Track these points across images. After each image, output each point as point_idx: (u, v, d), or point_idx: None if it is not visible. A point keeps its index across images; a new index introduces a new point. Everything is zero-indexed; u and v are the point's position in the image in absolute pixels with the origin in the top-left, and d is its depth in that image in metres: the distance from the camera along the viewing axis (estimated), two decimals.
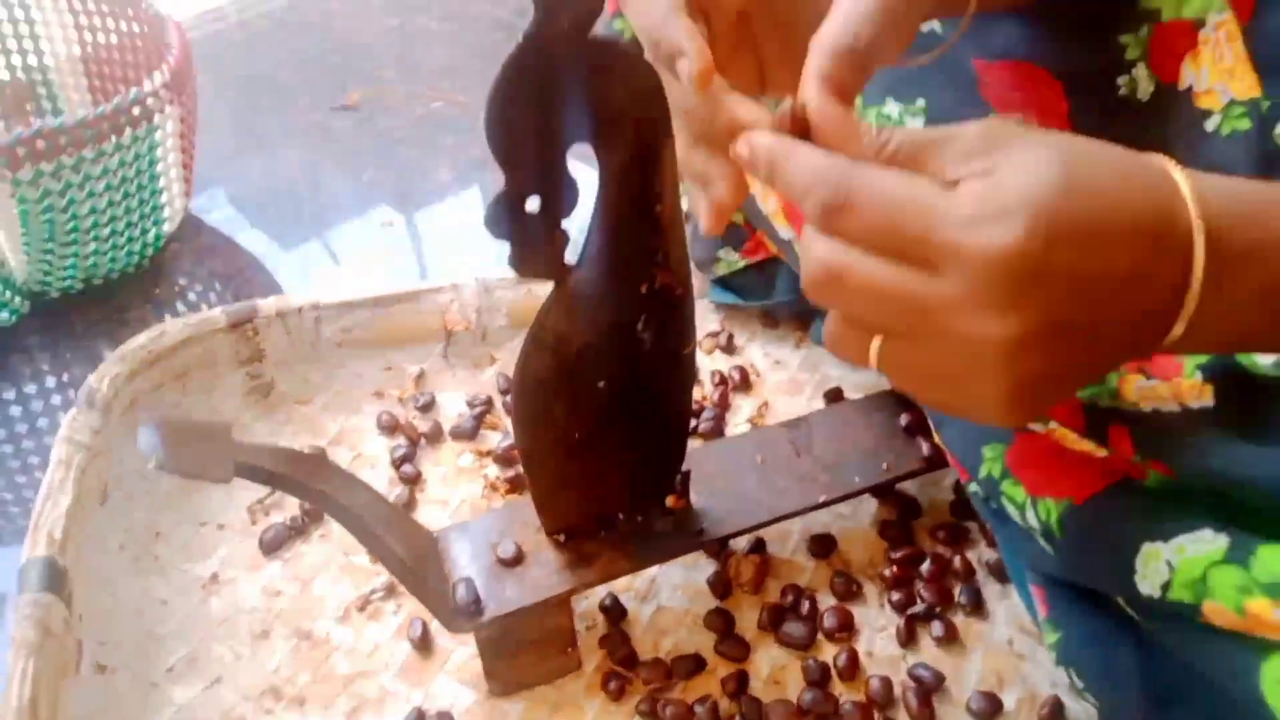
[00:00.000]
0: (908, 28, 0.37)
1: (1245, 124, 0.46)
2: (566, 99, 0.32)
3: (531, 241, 0.36)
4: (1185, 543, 0.34)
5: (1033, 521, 0.43)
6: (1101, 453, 0.41)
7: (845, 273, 0.30)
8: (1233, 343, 0.33)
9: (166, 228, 0.80)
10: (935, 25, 0.48)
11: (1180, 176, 0.31)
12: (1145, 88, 0.50)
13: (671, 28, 0.34)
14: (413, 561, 0.44)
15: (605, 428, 0.45)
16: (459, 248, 0.82)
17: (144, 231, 0.77)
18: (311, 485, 0.40)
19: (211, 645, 0.52)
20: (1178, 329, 0.30)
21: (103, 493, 0.56)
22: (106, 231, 0.73)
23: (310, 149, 0.96)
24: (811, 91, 0.32)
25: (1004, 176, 0.29)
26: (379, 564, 0.50)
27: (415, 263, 0.82)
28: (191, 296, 0.80)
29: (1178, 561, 0.34)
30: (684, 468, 0.50)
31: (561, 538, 0.49)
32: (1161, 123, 0.50)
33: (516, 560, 0.48)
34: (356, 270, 0.81)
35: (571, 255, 0.38)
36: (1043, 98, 0.52)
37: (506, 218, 0.34)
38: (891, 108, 0.49)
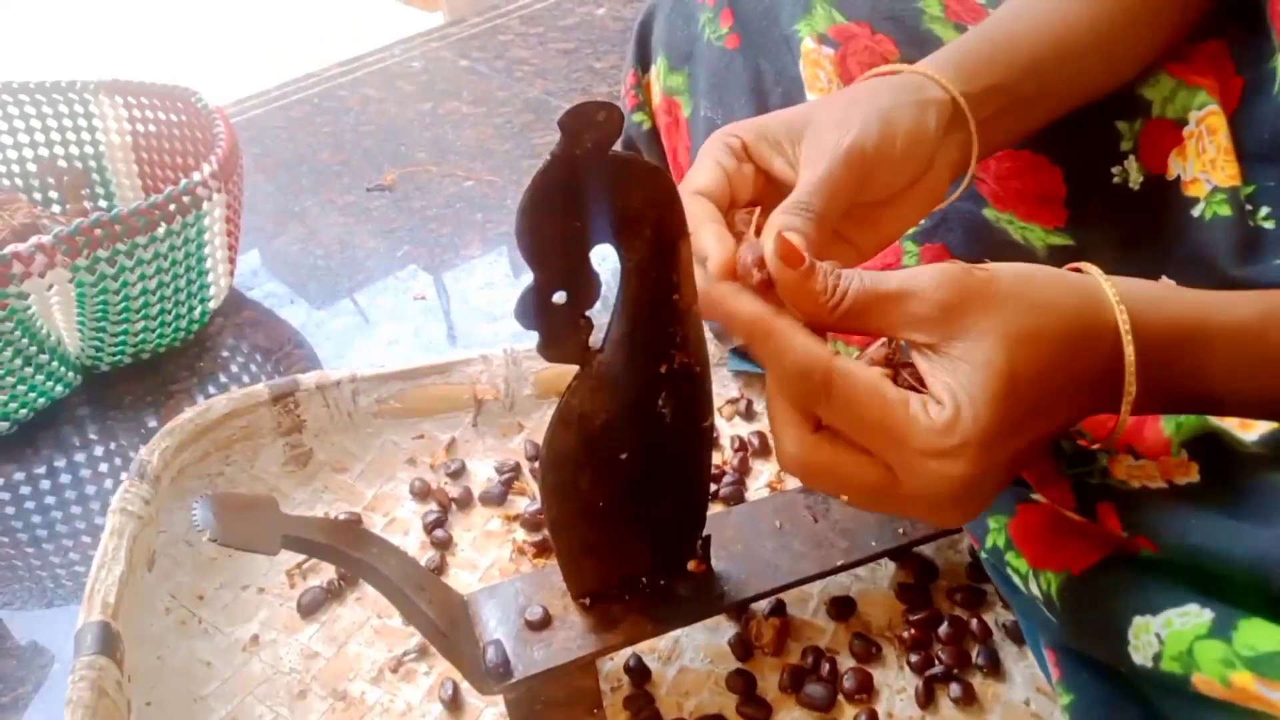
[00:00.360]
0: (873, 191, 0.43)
1: (1226, 210, 0.49)
2: (590, 206, 0.36)
3: (558, 331, 0.39)
4: (1172, 616, 0.36)
5: (1035, 592, 0.44)
6: (1073, 515, 0.43)
7: (818, 470, 0.37)
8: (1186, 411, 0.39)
9: (212, 305, 0.84)
10: None
11: (1122, 325, 0.36)
12: (1136, 178, 0.53)
13: (694, 220, 0.40)
14: (445, 626, 0.46)
15: (628, 497, 0.47)
16: (487, 319, 0.86)
17: (190, 309, 0.81)
18: (352, 554, 0.42)
19: (252, 705, 0.54)
20: (1123, 414, 0.37)
21: (150, 559, 0.59)
22: (155, 310, 0.77)
23: (348, 227, 1.01)
24: (769, 246, 0.37)
25: (958, 411, 0.34)
26: (412, 626, 0.52)
27: (446, 333, 0.86)
28: (234, 369, 0.84)
29: (1166, 635, 0.36)
30: (705, 533, 0.52)
31: (587, 601, 0.51)
32: (1151, 209, 0.53)
33: (544, 624, 0.50)
34: (390, 341, 0.84)
35: (595, 338, 0.41)
36: (1041, 184, 0.55)
37: (535, 311, 0.37)
38: None
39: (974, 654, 0.54)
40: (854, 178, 0.42)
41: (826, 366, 0.35)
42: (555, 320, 0.38)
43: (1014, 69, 0.48)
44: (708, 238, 0.39)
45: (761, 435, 0.67)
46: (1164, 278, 0.51)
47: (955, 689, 0.52)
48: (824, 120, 0.43)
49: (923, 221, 0.53)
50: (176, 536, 0.62)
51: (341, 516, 0.64)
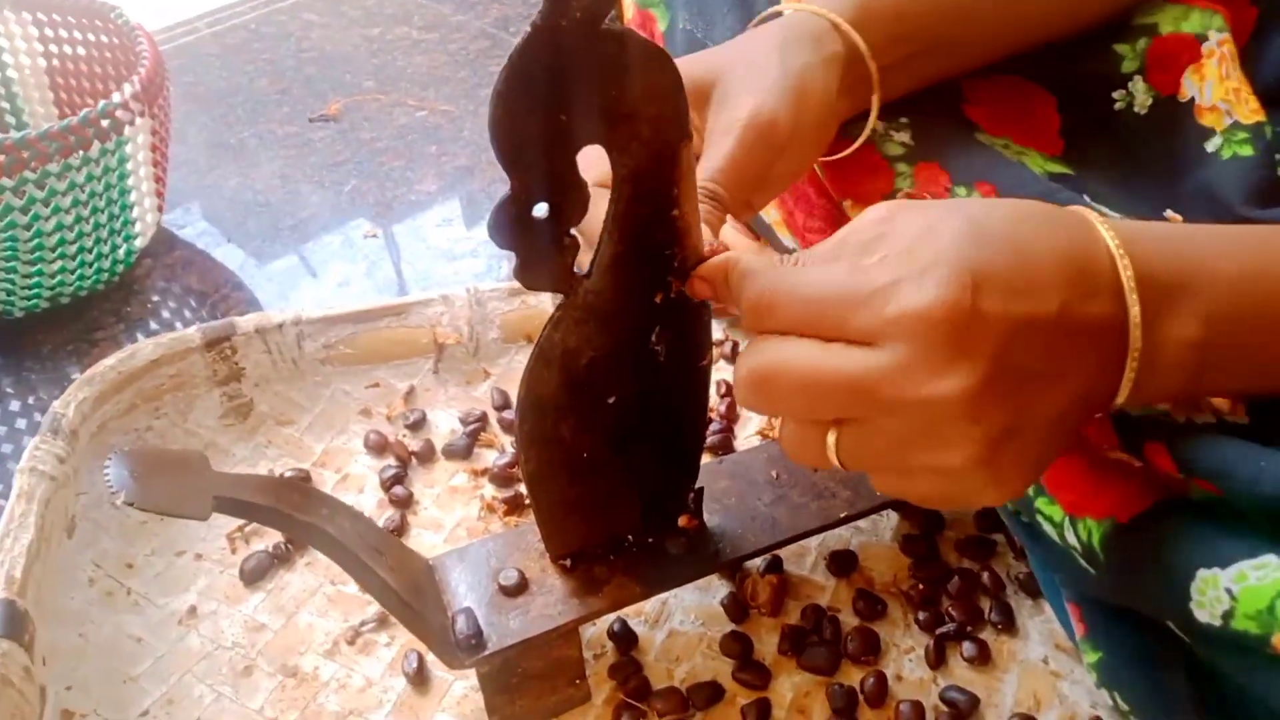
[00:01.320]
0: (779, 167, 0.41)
1: (1248, 150, 0.45)
2: (577, 96, 0.30)
3: (539, 251, 0.33)
4: (1246, 569, 0.32)
5: (1072, 541, 0.40)
6: (1116, 454, 0.39)
7: (777, 372, 0.30)
8: (1202, 381, 0.33)
9: (138, 243, 0.76)
10: None
11: (1095, 218, 0.31)
12: (1143, 100, 0.49)
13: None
14: (408, 594, 0.41)
15: (615, 447, 0.42)
16: (445, 259, 0.79)
17: (114, 248, 0.73)
18: (297, 517, 0.36)
19: (190, 685, 0.48)
20: (1130, 367, 0.31)
21: (70, 524, 0.52)
22: (74, 249, 0.69)
23: (289, 161, 0.92)
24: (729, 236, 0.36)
25: (913, 241, 0.29)
26: (369, 595, 0.46)
27: (400, 275, 0.79)
28: (165, 314, 0.76)
29: (1239, 590, 0.31)
30: (697, 485, 0.47)
31: (567, 563, 0.46)
32: (1159, 137, 0.48)
33: (520, 588, 0.45)
34: (339, 284, 0.77)
35: (581, 261, 0.35)
36: (1033, 113, 0.50)
37: (512, 226, 0.31)
38: (876, 125, 0.48)
39: (986, 609, 0.50)
40: (764, 162, 0.40)
41: (771, 270, 0.32)
42: (535, 238, 0.33)
43: (932, 8, 0.44)
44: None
45: None
46: (1168, 211, 0.47)
47: (968, 647, 0.48)
48: (731, 87, 0.41)
49: (909, 140, 0.48)
50: (99, 498, 0.55)
51: (288, 474, 0.57)
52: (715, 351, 0.64)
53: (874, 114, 0.46)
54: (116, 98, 0.67)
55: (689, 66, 0.43)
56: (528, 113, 0.29)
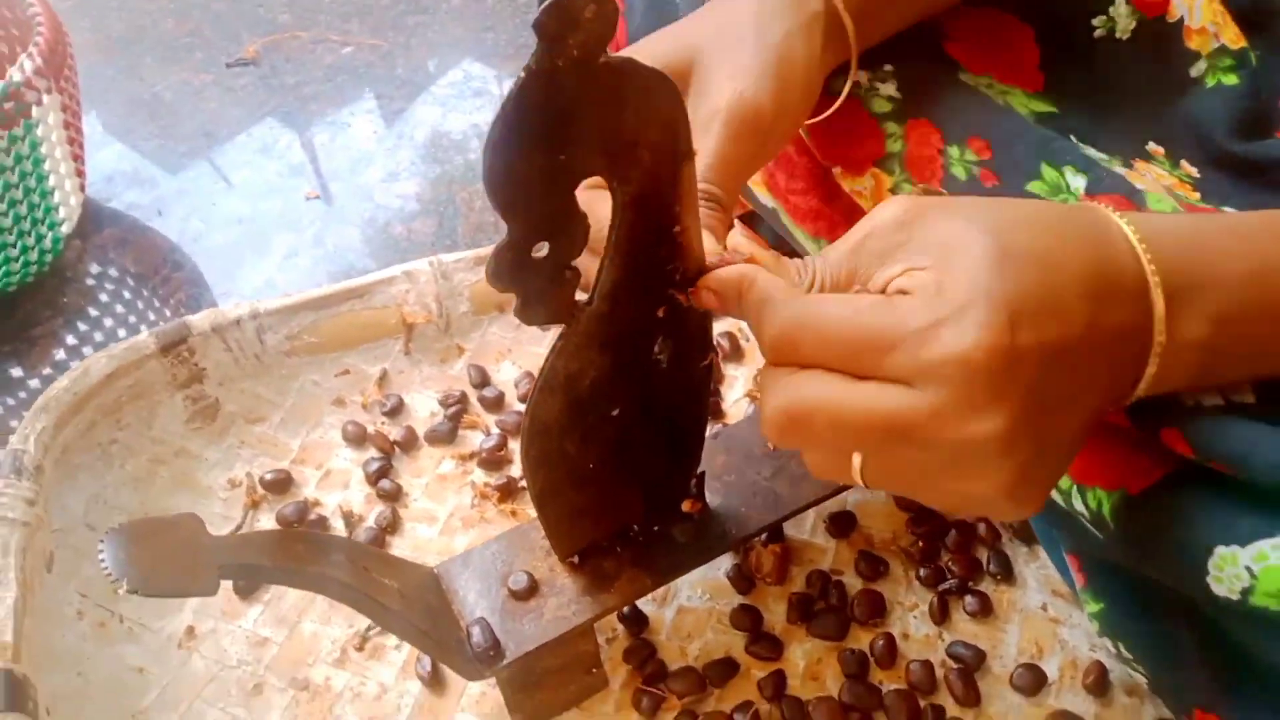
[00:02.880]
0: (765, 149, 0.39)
1: (1233, 78, 0.43)
2: (575, 133, 0.27)
3: (540, 289, 0.31)
4: (1266, 548, 0.32)
5: (1079, 508, 0.40)
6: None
7: (810, 413, 0.29)
8: (1208, 374, 0.33)
9: (64, 228, 0.71)
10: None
11: (1112, 214, 0.31)
12: (1126, 24, 0.47)
13: None
14: (425, 622, 0.40)
15: (620, 453, 0.41)
16: (398, 218, 0.75)
17: (39, 237, 0.68)
18: (307, 570, 0.35)
19: (202, 711, 0.47)
20: (1152, 362, 0.30)
21: (49, 559, 0.50)
22: None
23: (211, 115, 0.86)
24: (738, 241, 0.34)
25: (941, 272, 0.28)
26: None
27: (351, 239, 0.75)
28: (104, 298, 0.72)
29: (1259, 569, 0.32)
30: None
31: (575, 560, 0.46)
32: (1142, 64, 0.47)
33: (531, 592, 0.45)
34: (285, 256, 0.73)
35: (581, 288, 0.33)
36: (1011, 46, 0.48)
37: (513, 269, 0.29)
38: (860, 76, 0.45)
39: (985, 560, 0.51)
40: (751, 149, 0.37)
41: (788, 298, 0.30)
42: (536, 277, 0.30)
43: None
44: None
45: (731, 336, 0.61)
46: (1150, 144, 0.46)
47: (970, 601, 0.49)
48: (709, 72, 0.38)
49: (896, 93, 0.46)
50: (75, 522, 0.53)
51: (267, 475, 0.55)
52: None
53: (852, 72, 0.43)
54: (16, 76, 0.61)
55: (662, 47, 0.40)
56: (526, 158, 0.27)
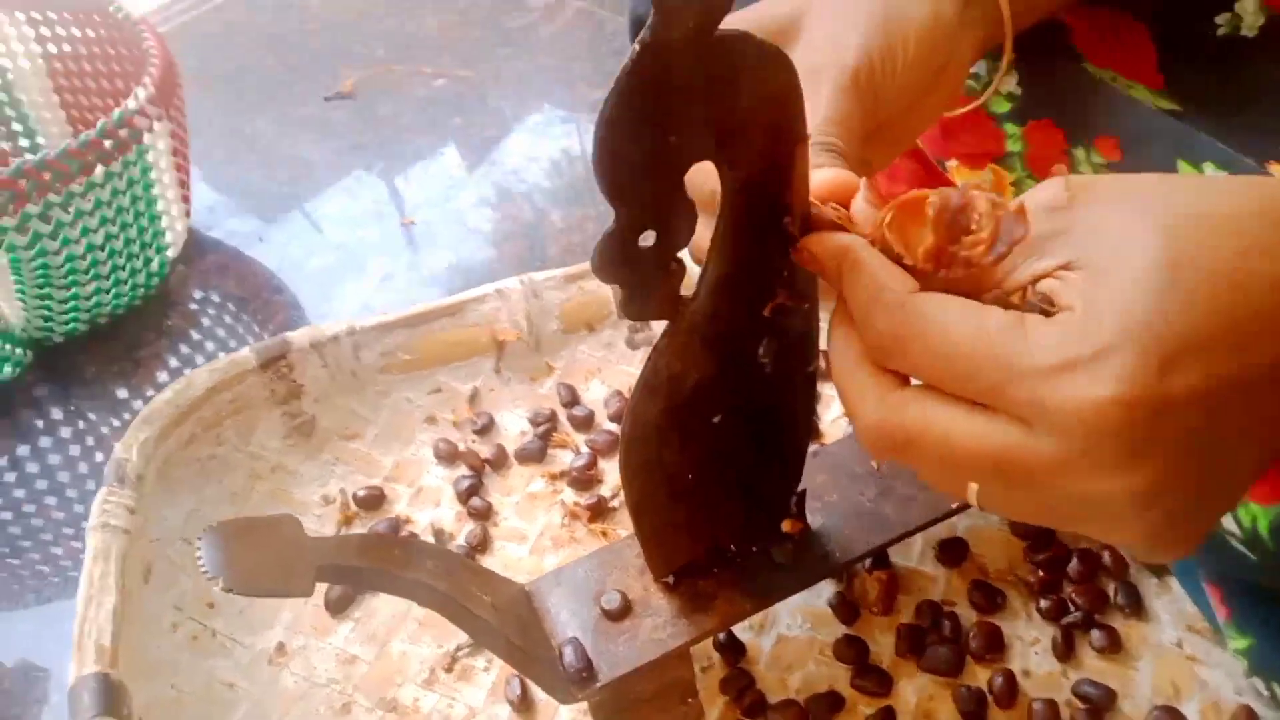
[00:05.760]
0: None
1: None
2: (687, 113, 0.26)
3: (646, 281, 0.30)
4: None
5: (1230, 527, 0.37)
6: None
7: (915, 437, 0.25)
8: None
9: (170, 253, 0.73)
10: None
11: None
12: (1253, 21, 0.43)
13: None
14: (517, 636, 0.39)
15: (719, 463, 0.39)
16: (488, 242, 0.75)
17: (147, 261, 0.70)
18: (404, 576, 0.34)
19: None
20: None
21: (146, 570, 0.50)
22: (107, 267, 0.66)
23: (310, 145, 0.88)
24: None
25: (1096, 285, 0.23)
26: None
27: (446, 263, 0.75)
28: (206, 322, 0.74)
29: None
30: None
31: (670, 580, 0.44)
32: (1274, 61, 0.43)
33: (624, 612, 0.43)
34: (382, 279, 0.74)
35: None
36: (1128, 44, 0.46)
37: (619, 259, 0.28)
38: (979, 66, 0.43)
39: (1111, 592, 0.47)
40: (863, 108, 0.34)
41: (903, 289, 0.26)
42: (641, 268, 0.29)
43: None
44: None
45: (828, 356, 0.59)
46: None
47: (1097, 636, 0.45)
48: (815, 23, 0.36)
49: (1011, 89, 0.43)
50: (172, 534, 0.53)
51: (360, 492, 0.55)
52: None
53: (1009, 41, 0.39)
54: (132, 104, 0.63)
55: (771, 13, 0.37)
56: (635, 138, 0.26)
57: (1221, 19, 0.44)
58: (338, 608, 0.51)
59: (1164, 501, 0.24)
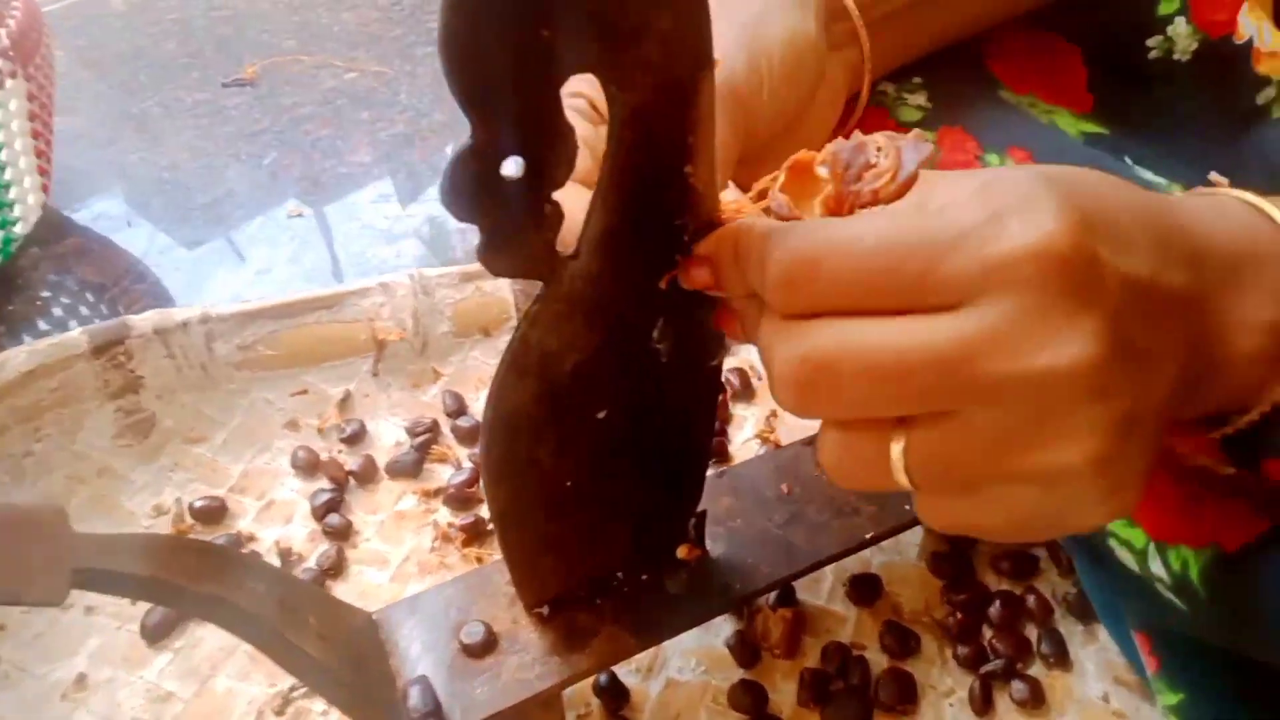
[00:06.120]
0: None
1: None
2: (564, 8, 0.21)
3: (510, 224, 0.24)
4: None
5: (1158, 572, 0.33)
6: (1228, 469, 0.32)
7: (838, 358, 0.22)
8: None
9: (19, 229, 0.65)
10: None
11: (1262, 201, 0.26)
12: (1186, 45, 0.42)
13: None
14: (346, 670, 0.32)
15: (604, 471, 0.33)
16: (384, 240, 0.69)
17: None
18: (192, 589, 0.27)
19: None
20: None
21: None
22: None
23: (200, 132, 0.81)
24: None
25: (1005, 175, 0.23)
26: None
27: (334, 260, 0.69)
28: (57, 311, 0.66)
29: None
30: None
31: (545, 611, 0.38)
32: (1204, 88, 0.42)
33: (488, 647, 0.37)
34: (259, 271, 0.67)
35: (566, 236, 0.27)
36: (1057, 66, 0.44)
37: (475, 189, 0.23)
38: (887, 87, 0.40)
39: (1034, 640, 0.42)
40: (734, 127, 0.31)
41: (803, 223, 0.24)
42: (505, 205, 0.24)
43: None
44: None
45: (742, 373, 0.54)
46: (1213, 174, 0.40)
47: (1018, 688, 0.41)
48: None
49: (924, 102, 0.40)
50: None
51: (198, 503, 0.48)
52: None
53: (867, 80, 0.37)
54: None
55: None
56: (497, 26, 0.21)
57: (1154, 42, 0.42)
58: (155, 635, 0.43)
59: (1114, 390, 0.21)
